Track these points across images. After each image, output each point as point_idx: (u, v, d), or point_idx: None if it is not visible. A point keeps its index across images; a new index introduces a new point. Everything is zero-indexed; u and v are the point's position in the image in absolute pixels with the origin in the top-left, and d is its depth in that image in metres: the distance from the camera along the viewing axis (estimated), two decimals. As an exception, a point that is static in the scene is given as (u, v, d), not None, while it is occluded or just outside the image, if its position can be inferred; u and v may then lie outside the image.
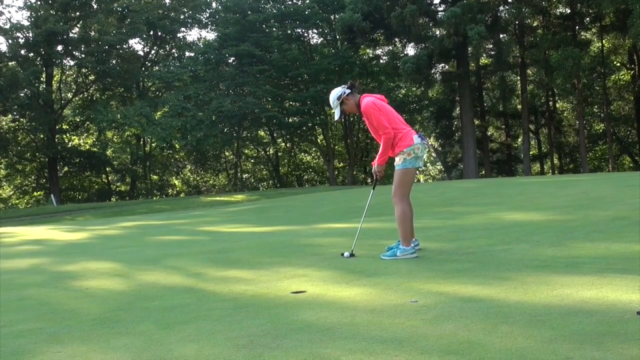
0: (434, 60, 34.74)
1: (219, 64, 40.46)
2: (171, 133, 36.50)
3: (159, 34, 42.85)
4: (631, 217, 6.88)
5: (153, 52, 45.77)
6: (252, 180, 51.25)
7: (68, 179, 46.25)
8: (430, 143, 52.46)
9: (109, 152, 43.82)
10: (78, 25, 40.70)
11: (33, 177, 46.23)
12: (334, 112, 5.85)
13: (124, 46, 41.77)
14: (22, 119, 41.21)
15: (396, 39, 38.08)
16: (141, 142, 44.37)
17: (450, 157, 46.42)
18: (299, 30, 41.62)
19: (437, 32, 34.58)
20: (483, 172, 39.75)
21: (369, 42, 37.97)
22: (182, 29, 44.46)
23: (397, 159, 5.62)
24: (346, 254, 5.90)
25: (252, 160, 50.81)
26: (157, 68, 43.11)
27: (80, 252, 8.86)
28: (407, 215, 5.57)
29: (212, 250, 7.48)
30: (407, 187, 5.65)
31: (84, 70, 41.88)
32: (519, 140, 43.04)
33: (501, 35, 37.97)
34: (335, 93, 5.76)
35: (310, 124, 41.29)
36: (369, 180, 41.50)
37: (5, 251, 10.07)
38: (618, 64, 40.21)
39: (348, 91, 5.72)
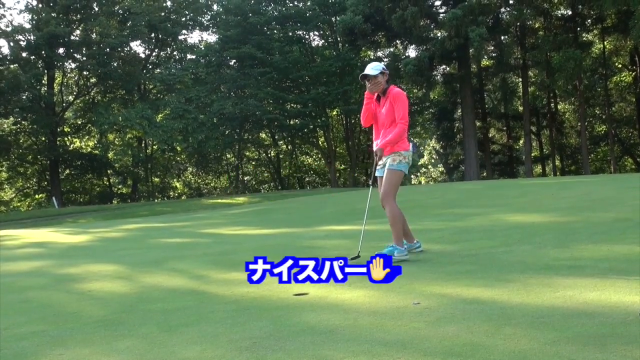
0: (435, 62, 34.75)
1: (220, 66, 40.48)
2: (172, 135, 36.50)
3: (160, 36, 42.80)
4: (633, 218, 6.87)
5: (154, 54, 45.74)
6: (254, 183, 51.20)
7: (69, 181, 46.21)
8: (431, 145, 52.48)
9: (110, 155, 43.78)
10: (79, 28, 40.71)
11: (34, 180, 46.20)
12: (367, 80, 5.62)
13: (125, 49, 41.75)
14: (23, 122, 41.16)
15: (397, 41, 38.10)
16: (142, 145, 44.35)
17: (451, 159, 46.39)
18: (300, 33, 41.60)
19: (439, 34, 34.59)
20: (484, 173, 39.70)
21: (370, 44, 38.00)
22: (184, 31, 44.42)
23: (390, 159, 5.64)
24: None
25: (254, 163, 50.77)
26: (158, 70, 43.09)
27: (82, 255, 8.87)
28: (399, 216, 5.62)
29: (214, 253, 7.48)
30: (397, 189, 5.76)
31: (85, 72, 41.85)
32: (521, 141, 42.99)
33: (502, 37, 37.95)
34: (381, 64, 5.78)
35: (311, 126, 41.27)
36: (370, 182, 41.41)
37: (7, 254, 10.07)
38: (620, 66, 40.18)
39: (388, 73, 5.75)
